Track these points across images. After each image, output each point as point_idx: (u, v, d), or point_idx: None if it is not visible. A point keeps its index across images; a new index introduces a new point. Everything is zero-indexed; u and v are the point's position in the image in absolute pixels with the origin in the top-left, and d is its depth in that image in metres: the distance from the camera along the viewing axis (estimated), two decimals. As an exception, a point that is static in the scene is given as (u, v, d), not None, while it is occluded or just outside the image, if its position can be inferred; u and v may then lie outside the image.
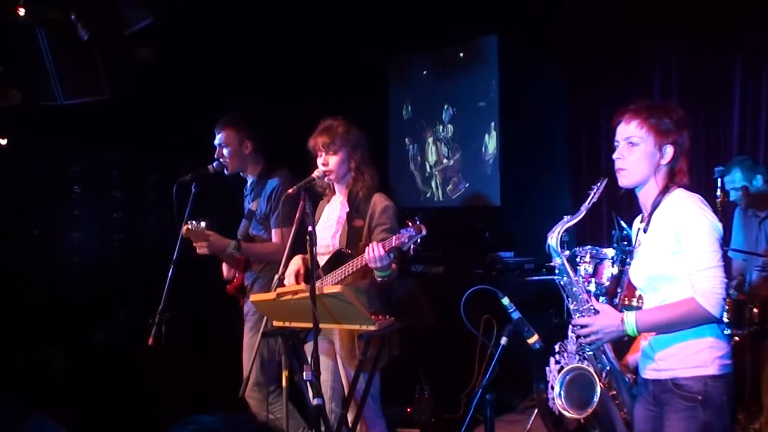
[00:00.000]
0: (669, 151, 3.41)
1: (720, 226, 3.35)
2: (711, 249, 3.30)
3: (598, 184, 3.56)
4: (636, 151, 3.44)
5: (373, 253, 4.38)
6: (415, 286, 7.34)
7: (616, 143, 3.53)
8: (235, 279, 5.74)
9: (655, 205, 3.45)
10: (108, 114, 6.97)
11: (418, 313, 7.14)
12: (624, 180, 3.50)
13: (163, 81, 7.39)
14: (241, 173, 5.74)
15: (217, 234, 5.32)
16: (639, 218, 3.65)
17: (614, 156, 3.52)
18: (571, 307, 3.57)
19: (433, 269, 7.76)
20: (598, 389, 3.66)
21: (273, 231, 5.51)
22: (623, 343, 3.59)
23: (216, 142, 5.60)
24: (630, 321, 3.36)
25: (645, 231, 3.49)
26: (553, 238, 3.58)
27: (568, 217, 3.60)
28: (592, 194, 3.55)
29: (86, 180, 8.41)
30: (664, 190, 3.44)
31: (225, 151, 5.57)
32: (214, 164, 5.48)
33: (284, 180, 5.50)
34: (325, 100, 5.88)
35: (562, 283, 3.60)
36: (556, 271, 3.62)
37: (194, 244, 5.27)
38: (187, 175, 5.12)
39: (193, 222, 5.10)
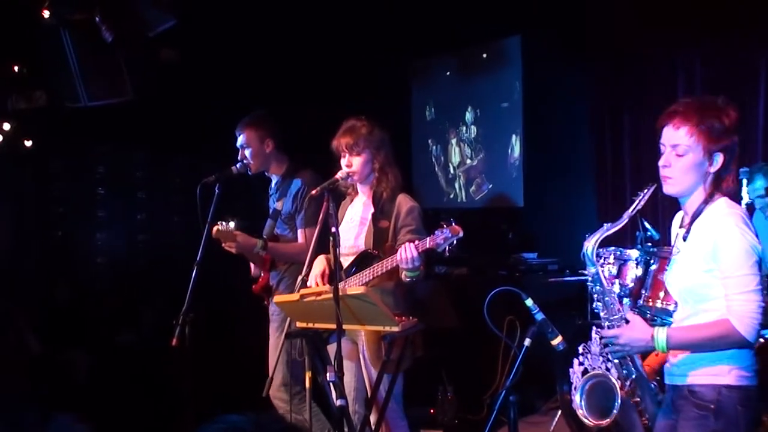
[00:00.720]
0: (719, 159, 3.27)
1: (759, 247, 3.23)
2: (749, 272, 3.18)
3: (645, 190, 3.42)
4: (684, 161, 3.29)
5: (406, 254, 4.38)
6: (438, 287, 7.34)
7: (661, 146, 3.35)
8: (261, 278, 5.77)
9: (697, 214, 3.33)
10: (132, 115, 7.01)
11: (441, 314, 7.13)
12: (670, 189, 3.36)
13: (187, 82, 7.42)
14: (266, 172, 5.76)
15: (245, 234, 5.36)
16: (678, 218, 3.55)
17: (660, 163, 3.34)
18: (602, 314, 3.52)
19: (457, 270, 7.76)
20: (619, 398, 3.63)
21: (298, 231, 5.53)
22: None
23: (238, 143, 5.62)
24: (661, 338, 3.27)
25: (685, 239, 3.37)
26: (590, 247, 3.49)
27: (608, 224, 3.50)
28: (638, 201, 3.42)
29: (110, 181, 8.46)
30: (708, 198, 3.31)
31: (247, 152, 5.59)
32: (238, 165, 5.49)
33: (308, 180, 5.52)
34: (349, 101, 5.88)
35: (594, 290, 3.55)
36: (590, 280, 3.57)
37: (223, 244, 5.31)
38: (210, 176, 5.13)
39: (223, 223, 5.14)
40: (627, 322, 3.42)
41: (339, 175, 4.81)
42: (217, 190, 5.08)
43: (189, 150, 8.31)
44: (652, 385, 3.57)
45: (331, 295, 4.17)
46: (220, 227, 5.14)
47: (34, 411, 6.09)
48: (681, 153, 3.28)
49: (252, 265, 5.85)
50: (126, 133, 7.86)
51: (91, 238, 8.41)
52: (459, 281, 7.65)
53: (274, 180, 5.78)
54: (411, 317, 4.57)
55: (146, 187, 8.69)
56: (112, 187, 8.46)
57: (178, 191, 8.71)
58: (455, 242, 4.33)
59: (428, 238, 4.35)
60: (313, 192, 4.57)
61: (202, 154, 7.83)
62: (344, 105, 5.45)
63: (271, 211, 5.76)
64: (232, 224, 5.20)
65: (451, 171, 9.22)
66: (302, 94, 7.87)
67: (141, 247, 8.67)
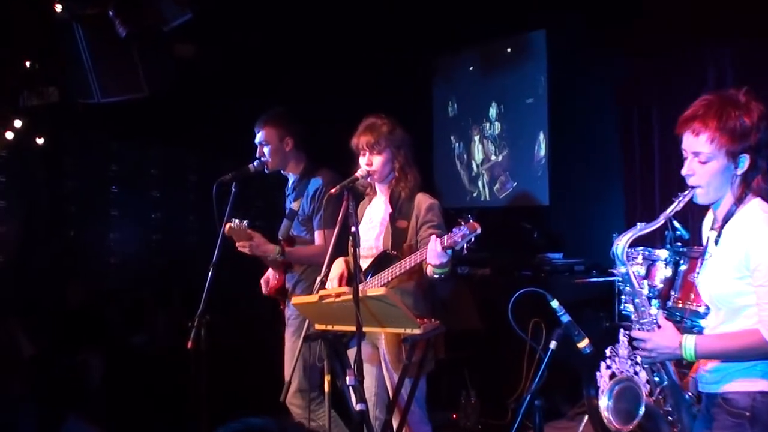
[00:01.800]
0: (745, 161, 3.19)
1: None
2: None
3: (687, 191, 3.34)
4: (707, 168, 3.22)
5: (431, 247, 4.39)
6: (460, 288, 7.34)
7: (683, 153, 3.28)
8: (276, 280, 5.76)
9: (728, 216, 3.27)
10: (147, 112, 7.04)
11: (464, 316, 7.14)
12: (701, 199, 3.31)
13: (203, 78, 7.44)
14: (282, 171, 5.77)
15: (262, 237, 5.36)
16: (709, 219, 3.50)
17: (684, 172, 3.28)
18: (633, 317, 3.49)
19: (480, 271, 7.74)
20: (643, 405, 3.60)
21: (316, 232, 5.54)
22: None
23: (256, 140, 5.63)
24: (689, 345, 3.24)
25: (716, 242, 3.31)
26: (620, 246, 3.45)
27: (642, 224, 3.44)
28: (678, 202, 3.34)
29: (124, 179, 8.49)
30: (739, 200, 3.25)
31: (265, 150, 5.60)
32: (255, 163, 5.50)
33: (328, 180, 5.50)
34: (368, 98, 5.89)
35: (624, 292, 3.52)
36: (620, 280, 3.54)
37: (237, 244, 5.31)
38: (227, 175, 5.14)
39: (236, 220, 5.13)
40: (659, 327, 3.39)
41: (358, 173, 4.82)
42: (233, 189, 5.09)
43: (205, 147, 8.35)
44: (687, 396, 3.52)
45: (350, 297, 4.18)
46: (233, 224, 5.13)
47: (30, 412, 6.16)
48: (704, 161, 3.22)
49: (263, 283, 5.83)
50: (140, 130, 7.90)
51: (104, 237, 8.45)
52: (482, 282, 7.64)
53: (291, 179, 5.79)
54: (433, 319, 4.57)
55: (161, 185, 8.72)
56: (126, 185, 8.49)
57: (193, 190, 8.75)
58: (473, 239, 4.32)
59: (446, 236, 4.35)
60: (333, 190, 4.56)
61: (218, 152, 7.87)
62: (363, 101, 5.45)
63: (287, 211, 5.76)
64: (245, 222, 5.19)
65: (474, 169, 9.22)
66: (320, 90, 7.88)
67: (155, 247, 8.70)
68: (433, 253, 4.40)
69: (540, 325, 6.14)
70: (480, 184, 9.15)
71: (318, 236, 5.53)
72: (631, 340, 3.52)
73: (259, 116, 5.68)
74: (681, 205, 3.37)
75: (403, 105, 5.77)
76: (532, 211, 8.52)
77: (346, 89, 7.86)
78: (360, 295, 4.17)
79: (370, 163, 4.86)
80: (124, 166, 8.49)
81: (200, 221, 8.69)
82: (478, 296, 7.37)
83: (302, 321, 5.16)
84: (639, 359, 3.56)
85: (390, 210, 4.92)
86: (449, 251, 4.40)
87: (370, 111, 5.02)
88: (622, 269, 3.48)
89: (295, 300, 4.93)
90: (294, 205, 5.68)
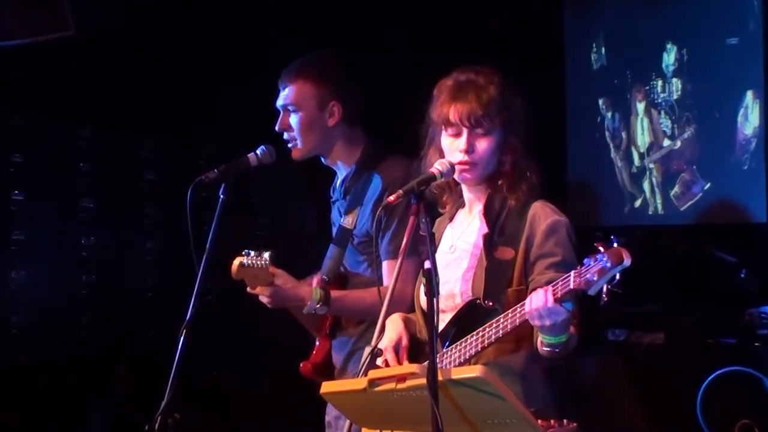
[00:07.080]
0: None
1: None
2: None
3: None
4: None
5: (536, 303, 4.31)
6: (611, 365, 7.34)
7: None
8: (314, 349, 5.72)
9: None
10: (74, 67, 7.10)
11: (620, 413, 7.14)
12: None
13: (170, 12, 7.49)
14: (323, 160, 5.73)
15: (290, 276, 5.31)
16: None
17: None
18: None
19: (647, 337, 7.74)
20: None
21: (384, 263, 5.44)
22: None
23: (279, 102, 5.58)
24: None
25: None
26: None
27: None
28: None
29: (36, 179, 8.55)
30: None
31: (293, 120, 5.54)
32: (258, 151, 5.33)
33: (390, 178, 5.42)
34: (459, 43, 5.88)
35: None
36: None
37: (250, 289, 5.27)
38: (210, 171, 5.11)
39: (250, 252, 5.06)
40: None
41: (436, 168, 4.64)
42: (221, 195, 5.07)
43: (169, 127, 8.39)
44: None
45: (422, 381, 4.17)
46: (245, 260, 5.09)
47: None
48: None
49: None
50: (62, 97, 7.96)
51: (3, 279, 8.52)
52: (651, 356, 7.63)
53: (341, 175, 5.74)
54: (565, 421, 4.56)
55: (96, 189, 8.77)
56: (39, 189, 8.56)
57: (150, 196, 8.80)
58: (617, 277, 4.23)
59: (572, 273, 4.19)
60: (391, 198, 4.40)
61: (192, 135, 7.92)
62: (452, 49, 5.44)
63: (335, 229, 5.73)
64: (266, 255, 5.12)
65: (637, 159, 9.21)
66: (380, 31, 7.91)
67: (87, 294, 8.74)
68: (535, 312, 4.29)
69: (752, 429, 6.14)
70: (646, 185, 9.14)
71: (385, 271, 5.43)
72: None
73: (268, 76, 5.63)
74: None
75: (514, 50, 5.76)
76: (738, 234, 8.49)
77: (423, 31, 7.87)
78: (439, 377, 4.16)
79: (469, 148, 4.73)
80: (34, 156, 8.55)
81: (161, 250, 8.74)
82: (643, 380, 7.36)
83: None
84: None
85: (486, 230, 4.86)
86: (568, 305, 4.34)
87: (459, 63, 4.91)
88: None
89: (326, 387, 4.88)
90: (347, 221, 5.60)
